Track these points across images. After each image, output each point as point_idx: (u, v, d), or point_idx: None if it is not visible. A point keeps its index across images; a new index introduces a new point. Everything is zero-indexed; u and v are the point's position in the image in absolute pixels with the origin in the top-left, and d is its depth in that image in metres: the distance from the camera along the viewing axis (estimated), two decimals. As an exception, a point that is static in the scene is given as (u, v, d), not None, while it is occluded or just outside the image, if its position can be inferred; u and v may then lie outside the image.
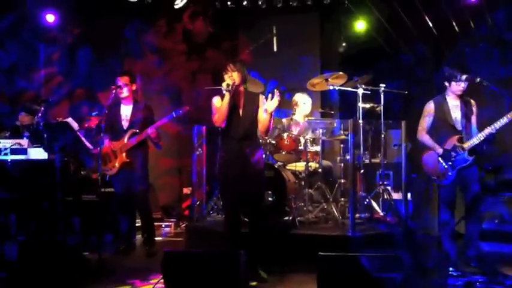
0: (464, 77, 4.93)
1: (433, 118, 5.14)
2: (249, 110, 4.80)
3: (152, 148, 6.05)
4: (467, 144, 4.93)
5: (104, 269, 4.99)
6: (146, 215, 6.05)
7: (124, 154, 5.76)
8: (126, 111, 5.89)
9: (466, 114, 5.04)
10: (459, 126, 5.03)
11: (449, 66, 5.08)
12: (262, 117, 4.78)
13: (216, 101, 4.83)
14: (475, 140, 4.91)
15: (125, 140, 5.76)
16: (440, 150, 5.02)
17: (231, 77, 4.69)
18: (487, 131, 4.86)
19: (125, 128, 5.84)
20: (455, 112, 5.07)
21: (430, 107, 5.16)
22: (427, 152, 5.15)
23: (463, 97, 5.09)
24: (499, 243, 5.54)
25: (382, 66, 7.63)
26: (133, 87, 5.89)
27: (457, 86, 5.00)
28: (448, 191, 5.05)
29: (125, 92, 5.80)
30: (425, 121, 5.17)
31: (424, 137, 5.15)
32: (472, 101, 5.15)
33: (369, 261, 3.99)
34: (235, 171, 4.77)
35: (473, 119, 5.10)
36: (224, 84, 4.67)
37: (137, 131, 5.77)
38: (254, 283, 4.69)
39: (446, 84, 5.09)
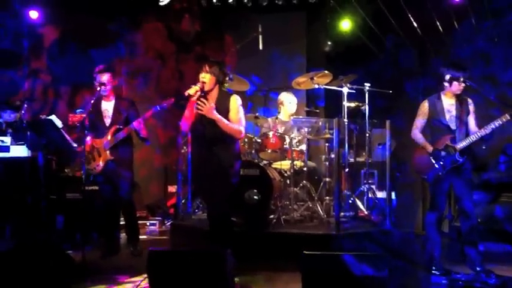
0: (465, 76, 4.91)
1: (427, 117, 5.09)
2: (219, 112, 4.67)
3: (136, 146, 5.99)
4: (459, 145, 4.91)
5: (87, 268, 4.95)
6: (131, 214, 5.95)
7: (108, 152, 5.60)
8: (108, 107, 5.73)
9: (461, 114, 4.97)
10: (453, 126, 4.97)
11: (448, 67, 4.98)
12: (234, 119, 4.73)
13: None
14: (467, 141, 4.88)
15: (108, 137, 5.62)
16: (430, 149, 4.98)
17: (203, 78, 4.65)
18: (480, 133, 4.82)
19: (107, 124, 5.68)
20: (450, 111, 5.00)
21: (424, 106, 5.11)
22: (419, 150, 5.13)
23: (459, 96, 5.02)
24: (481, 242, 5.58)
25: (367, 66, 7.66)
26: (115, 83, 5.80)
27: (458, 86, 4.94)
28: (437, 190, 5.04)
29: (108, 89, 5.66)
30: (419, 120, 5.13)
31: (417, 136, 5.12)
32: (469, 100, 5.05)
33: (353, 260, 4.00)
34: (202, 173, 4.82)
35: (471, 118, 5.01)
36: (186, 92, 4.62)
37: (121, 127, 5.63)
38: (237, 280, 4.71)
39: (446, 84, 4.99)
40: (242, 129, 4.74)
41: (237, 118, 4.72)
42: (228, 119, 4.68)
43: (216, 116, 4.60)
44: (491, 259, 5.27)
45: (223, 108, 4.71)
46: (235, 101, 4.74)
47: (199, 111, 4.62)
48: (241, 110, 4.80)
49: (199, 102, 4.60)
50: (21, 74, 7.68)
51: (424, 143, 5.06)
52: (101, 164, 5.63)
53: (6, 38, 7.51)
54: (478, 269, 4.86)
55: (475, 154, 5.17)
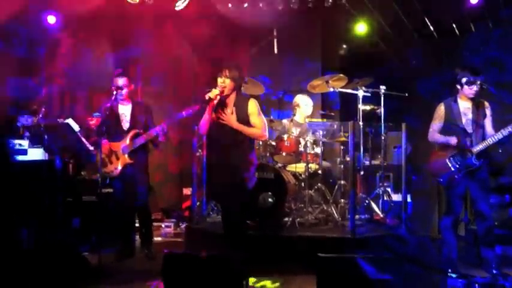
0: (478, 79, 4.88)
1: (444, 121, 5.07)
2: (238, 116, 4.70)
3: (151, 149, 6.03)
4: (475, 149, 4.87)
5: (103, 270, 4.99)
6: (146, 217, 5.99)
7: (127, 155, 5.65)
8: (125, 111, 5.77)
9: (477, 117, 4.94)
10: (469, 129, 4.94)
11: (463, 70, 4.96)
12: (256, 123, 4.73)
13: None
14: (484, 145, 4.84)
15: (127, 141, 5.65)
16: (455, 141, 4.92)
17: (223, 83, 4.65)
18: (497, 136, 4.79)
19: (125, 128, 5.72)
20: (467, 115, 4.98)
21: (440, 109, 5.09)
22: (435, 153, 5.10)
23: (475, 99, 4.99)
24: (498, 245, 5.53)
25: (382, 69, 7.64)
26: (132, 87, 5.84)
27: (470, 90, 4.91)
28: (453, 193, 5.01)
29: (124, 93, 5.71)
30: (436, 124, 5.10)
31: (436, 136, 5.07)
32: (486, 103, 5.03)
33: (368, 262, 3.99)
34: (217, 176, 4.82)
35: (487, 121, 4.98)
36: (207, 96, 4.62)
37: (140, 131, 5.68)
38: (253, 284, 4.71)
39: (459, 87, 4.98)
40: (265, 132, 4.77)
41: (259, 121, 4.74)
42: (248, 123, 4.70)
43: (238, 125, 4.64)
44: (507, 263, 5.22)
45: (241, 112, 4.73)
46: (254, 105, 4.76)
47: (221, 121, 4.66)
48: (261, 113, 4.82)
49: (220, 112, 4.63)
50: (38, 80, 7.77)
51: (445, 139, 5.01)
52: (119, 167, 5.66)
53: (21, 46, 7.60)
54: (494, 271, 4.82)
55: (491, 158, 5.12)
